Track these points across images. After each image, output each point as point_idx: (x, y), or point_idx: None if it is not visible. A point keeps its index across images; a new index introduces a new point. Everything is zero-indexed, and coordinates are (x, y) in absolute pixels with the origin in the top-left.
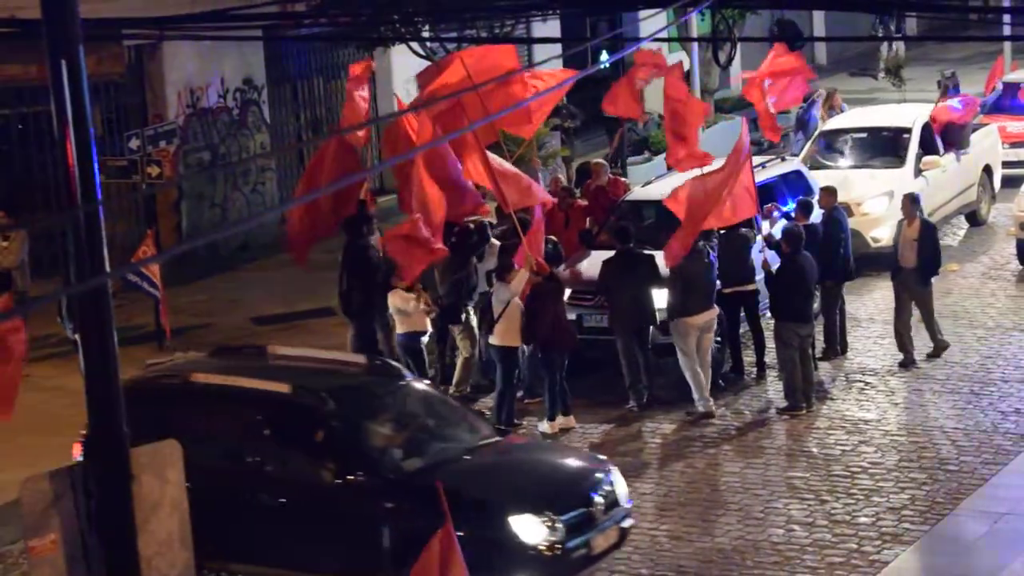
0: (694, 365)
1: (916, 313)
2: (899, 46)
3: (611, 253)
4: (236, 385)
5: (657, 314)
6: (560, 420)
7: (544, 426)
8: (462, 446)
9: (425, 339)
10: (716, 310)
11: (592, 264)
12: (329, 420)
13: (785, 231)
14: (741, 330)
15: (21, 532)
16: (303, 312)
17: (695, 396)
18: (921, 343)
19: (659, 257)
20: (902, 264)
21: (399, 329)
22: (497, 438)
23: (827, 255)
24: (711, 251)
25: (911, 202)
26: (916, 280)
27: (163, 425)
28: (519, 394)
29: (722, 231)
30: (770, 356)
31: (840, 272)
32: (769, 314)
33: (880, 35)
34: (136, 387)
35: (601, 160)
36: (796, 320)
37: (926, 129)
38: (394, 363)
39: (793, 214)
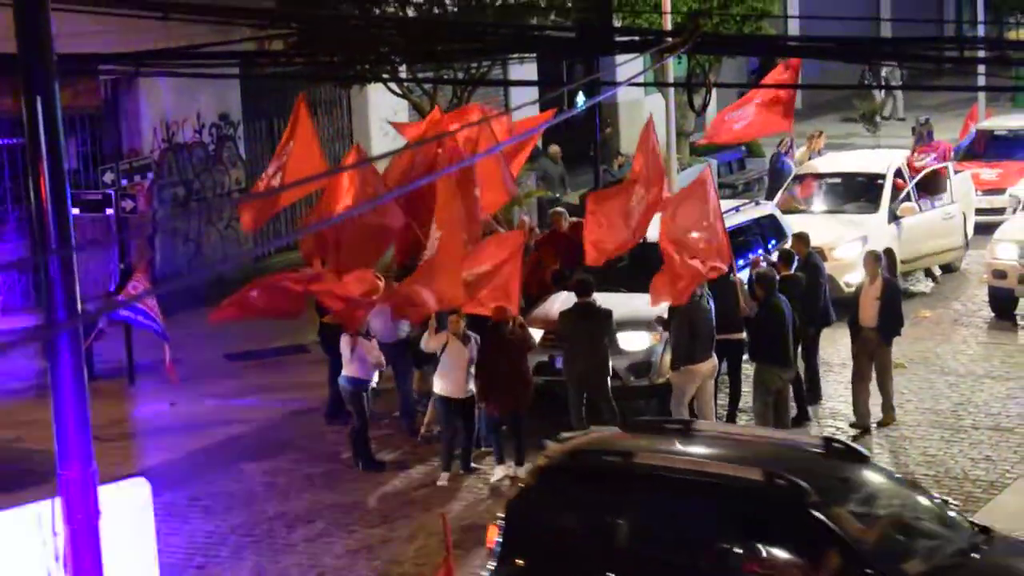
0: (685, 413)
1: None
2: (899, 94)
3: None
4: (695, 468)
5: (611, 365)
6: (512, 469)
7: (499, 471)
8: (956, 545)
9: (374, 383)
10: (715, 357)
11: (565, 305)
12: (816, 512)
13: (758, 275)
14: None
15: None
16: (275, 349)
17: None
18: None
19: (631, 306)
20: (862, 323)
21: (344, 371)
22: (982, 534)
23: (809, 302)
24: (710, 298)
25: (874, 260)
26: (877, 340)
27: (607, 509)
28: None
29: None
30: (744, 401)
31: (822, 319)
32: (747, 356)
33: (868, 83)
34: (571, 464)
35: (560, 209)
36: (778, 363)
37: (899, 176)
38: (852, 444)
39: (774, 263)
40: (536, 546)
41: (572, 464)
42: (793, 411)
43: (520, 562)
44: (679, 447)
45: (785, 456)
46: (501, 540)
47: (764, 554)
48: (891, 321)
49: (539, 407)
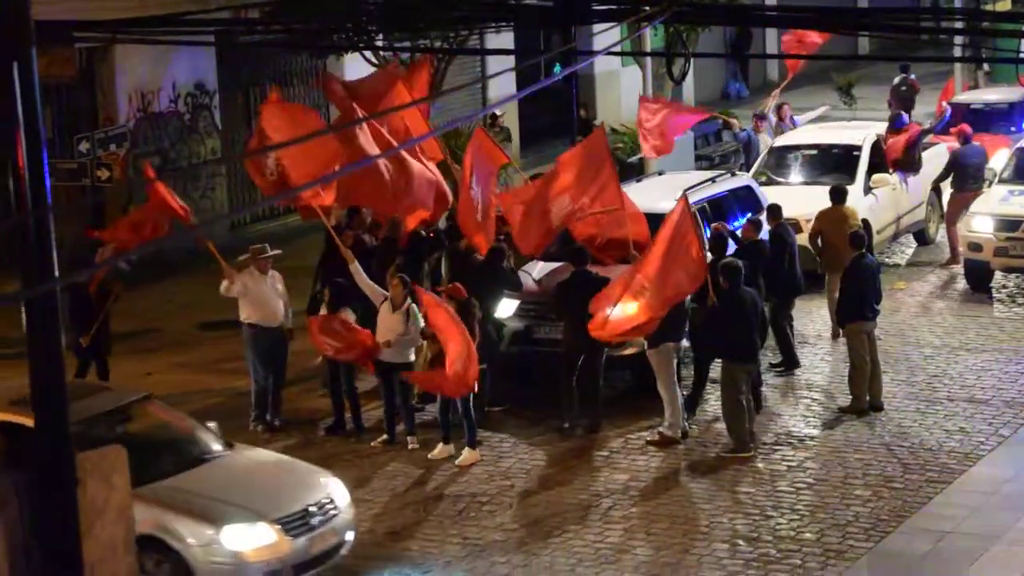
0: (675, 388)
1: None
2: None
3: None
4: None
5: None
6: (465, 453)
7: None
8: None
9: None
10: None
11: (541, 273)
12: None
13: (723, 265)
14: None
15: None
16: None
17: (668, 419)
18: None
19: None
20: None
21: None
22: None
23: (771, 273)
24: None
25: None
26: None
27: None
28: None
29: None
30: (715, 371)
31: (783, 289)
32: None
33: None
34: None
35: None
36: (742, 360)
37: (876, 148)
38: None
39: (741, 230)
40: None
41: None
42: None
43: None
44: None
45: None
46: None
47: None
48: (839, 304)
49: (513, 378)
